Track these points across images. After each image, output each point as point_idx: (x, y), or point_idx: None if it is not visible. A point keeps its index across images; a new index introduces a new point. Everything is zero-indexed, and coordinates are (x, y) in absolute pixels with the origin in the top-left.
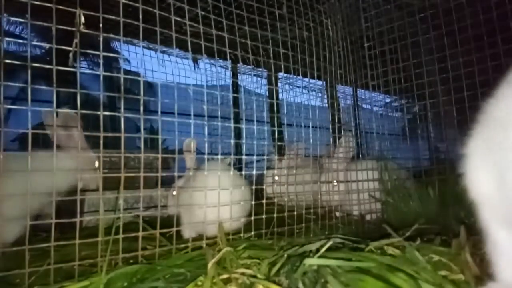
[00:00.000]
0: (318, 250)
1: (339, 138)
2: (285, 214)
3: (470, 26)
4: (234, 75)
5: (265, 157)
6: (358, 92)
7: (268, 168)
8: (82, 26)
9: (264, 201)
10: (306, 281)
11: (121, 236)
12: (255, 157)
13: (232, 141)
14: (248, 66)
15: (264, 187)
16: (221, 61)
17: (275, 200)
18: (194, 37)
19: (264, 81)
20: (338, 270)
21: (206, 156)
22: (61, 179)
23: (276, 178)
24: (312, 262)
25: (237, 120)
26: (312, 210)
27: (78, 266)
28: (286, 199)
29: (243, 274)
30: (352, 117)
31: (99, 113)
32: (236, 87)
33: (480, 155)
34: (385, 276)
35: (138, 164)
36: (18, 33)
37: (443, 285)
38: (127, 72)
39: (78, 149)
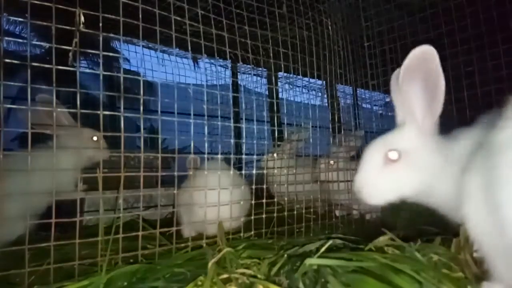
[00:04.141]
0: (318, 249)
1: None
2: (285, 213)
3: (470, 25)
4: (234, 74)
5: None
6: (358, 91)
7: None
8: (81, 25)
9: (264, 201)
10: (307, 281)
11: (121, 235)
12: (255, 157)
13: (232, 141)
14: (248, 66)
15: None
16: (221, 60)
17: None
18: (194, 36)
19: (264, 80)
20: (338, 270)
21: (206, 156)
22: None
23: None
24: (312, 262)
25: (237, 119)
26: (312, 210)
27: (78, 266)
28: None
29: (243, 274)
30: (352, 117)
31: (99, 112)
32: (236, 87)
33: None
34: (385, 276)
35: (138, 163)
36: (18, 33)
37: (444, 283)
38: (127, 71)
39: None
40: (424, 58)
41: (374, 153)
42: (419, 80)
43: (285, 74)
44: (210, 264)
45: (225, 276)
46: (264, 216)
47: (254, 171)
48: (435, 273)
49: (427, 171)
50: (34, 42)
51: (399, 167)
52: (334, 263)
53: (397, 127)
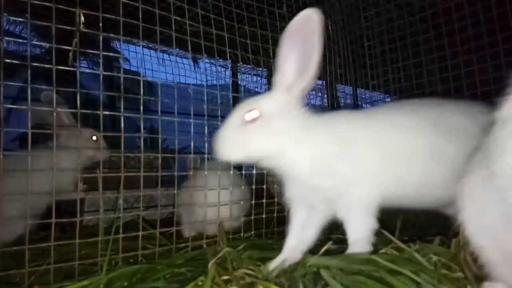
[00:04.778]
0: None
1: None
2: (285, 213)
3: (470, 25)
4: (234, 74)
5: None
6: (358, 91)
7: None
8: (82, 25)
9: (264, 201)
10: (306, 282)
11: (121, 235)
12: None
13: None
14: (248, 66)
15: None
16: (221, 60)
17: None
18: (194, 36)
19: (264, 80)
20: (338, 272)
21: (206, 156)
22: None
23: None
24: (312, 263)
25: None
26: None
27: (78, 266)
28: None
29: (244, 274)
30: None
31: (99, 112)
32: (236, 87)
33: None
34: (385, 278)
35: (138, 163)
36: (18, 33)
37: (444, 283)
38: (127, 71)
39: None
40: (306, 23)
41: (237, 112)
42: (298, 45)
43: None
44: (210, 264)
45: (225, 276)
46: (264, 216)
47: (254, 171)
48: (434, 274)
49: (282, 136)
50: (34, 42)
51: (255, 127)
52: (334, 264)
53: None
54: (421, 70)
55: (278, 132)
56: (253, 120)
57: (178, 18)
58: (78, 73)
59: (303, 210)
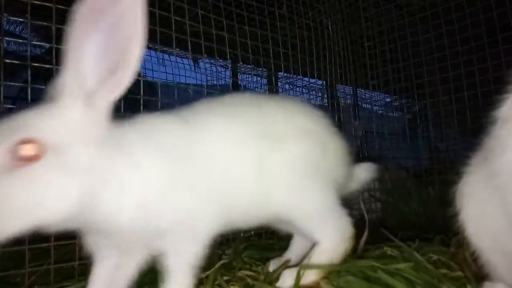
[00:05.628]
0: None
1: None
2: None
3: (470, 25)
4: (234, 74)
5: None
6: (358, 91)
7: None
8: None
9: None
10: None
11: None
12: None
13: None
14: (248, 66)
15: None
16: (221, 60)
17: None
18: (194, 36)
19: (264, 80)
20: (333, 273)
21: None
22: None
23: None
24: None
25: None
26: None
27: (78, 266)
28: None
29: (246, 276)
30: (352, 117)
31: None
32: (236, 87)
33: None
34: (382, 279)
35: None
36: (18, 33)
37: (443, 283)
38: None
39: None
40: None
41: None
42: (103, 31)
43: (285, 74)
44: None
45: (227, 276)
46: None
47: None
48: (434, 273)
49: (92, 173)
50: (34, 42)
51: (40, 169)
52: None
53: (49, 100)
54: (421, 70)
55: (85, 169)
56: (34, 157)
57: (178, 18)
58: None
59: (112, 258)
